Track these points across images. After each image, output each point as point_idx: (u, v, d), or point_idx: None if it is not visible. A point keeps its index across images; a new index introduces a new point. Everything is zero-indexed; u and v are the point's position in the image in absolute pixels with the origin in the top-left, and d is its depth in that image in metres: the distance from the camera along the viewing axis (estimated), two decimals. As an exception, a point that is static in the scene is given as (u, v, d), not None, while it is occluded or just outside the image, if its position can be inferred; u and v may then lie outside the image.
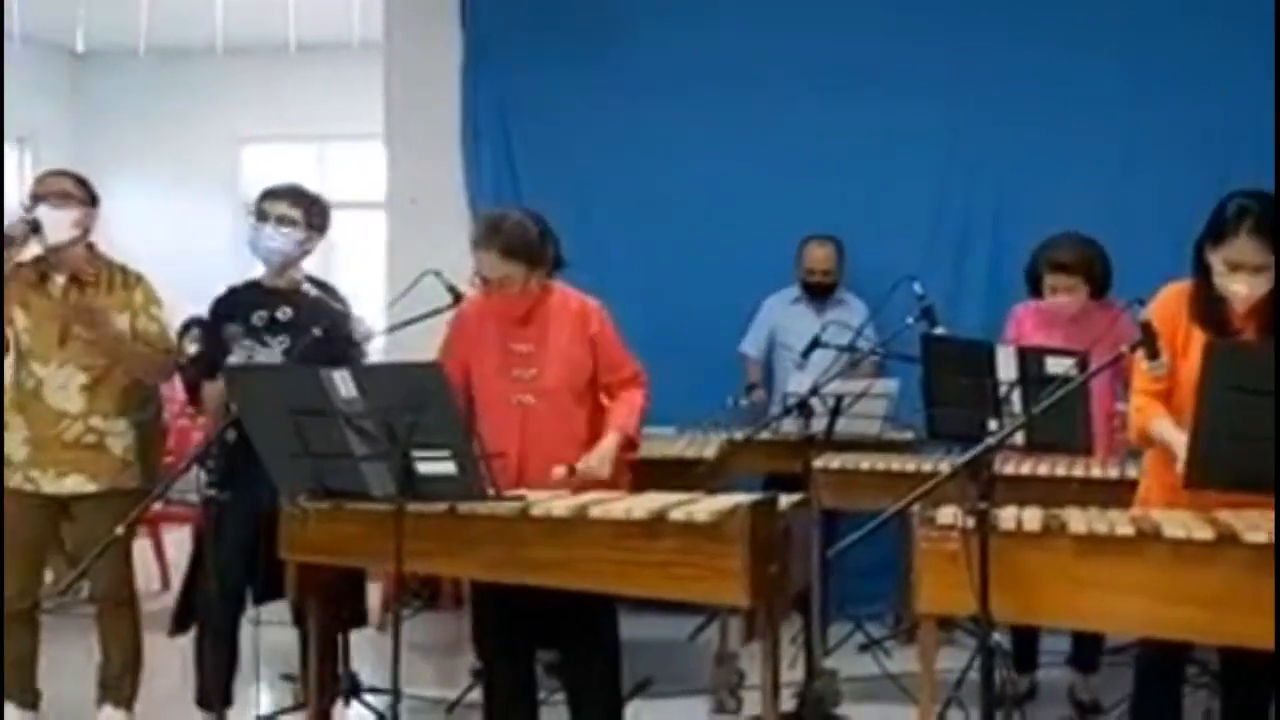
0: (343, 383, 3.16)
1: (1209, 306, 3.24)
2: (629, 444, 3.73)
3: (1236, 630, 2.90)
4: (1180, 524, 2.91)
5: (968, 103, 5.75)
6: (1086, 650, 4.45)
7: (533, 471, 3.60)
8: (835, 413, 4.69)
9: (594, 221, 5.24)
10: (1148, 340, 3.06)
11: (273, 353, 3.92)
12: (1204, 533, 2.87)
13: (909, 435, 5.11)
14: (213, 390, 3.93)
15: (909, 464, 4.54)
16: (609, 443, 3.65)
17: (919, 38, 5.76)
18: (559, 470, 3.56)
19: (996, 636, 3.03)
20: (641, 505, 3.15)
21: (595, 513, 3.15)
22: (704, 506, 3.08)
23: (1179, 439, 3.12)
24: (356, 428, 3.17)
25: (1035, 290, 4.60)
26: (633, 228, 5.84)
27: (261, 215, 4.00)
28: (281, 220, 3.99)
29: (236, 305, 4.04)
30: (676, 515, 3.06)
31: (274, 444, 3.31)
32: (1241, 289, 3.17)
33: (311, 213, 4.04)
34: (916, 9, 5.77)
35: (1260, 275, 3.15)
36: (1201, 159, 5.37)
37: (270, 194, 4.04)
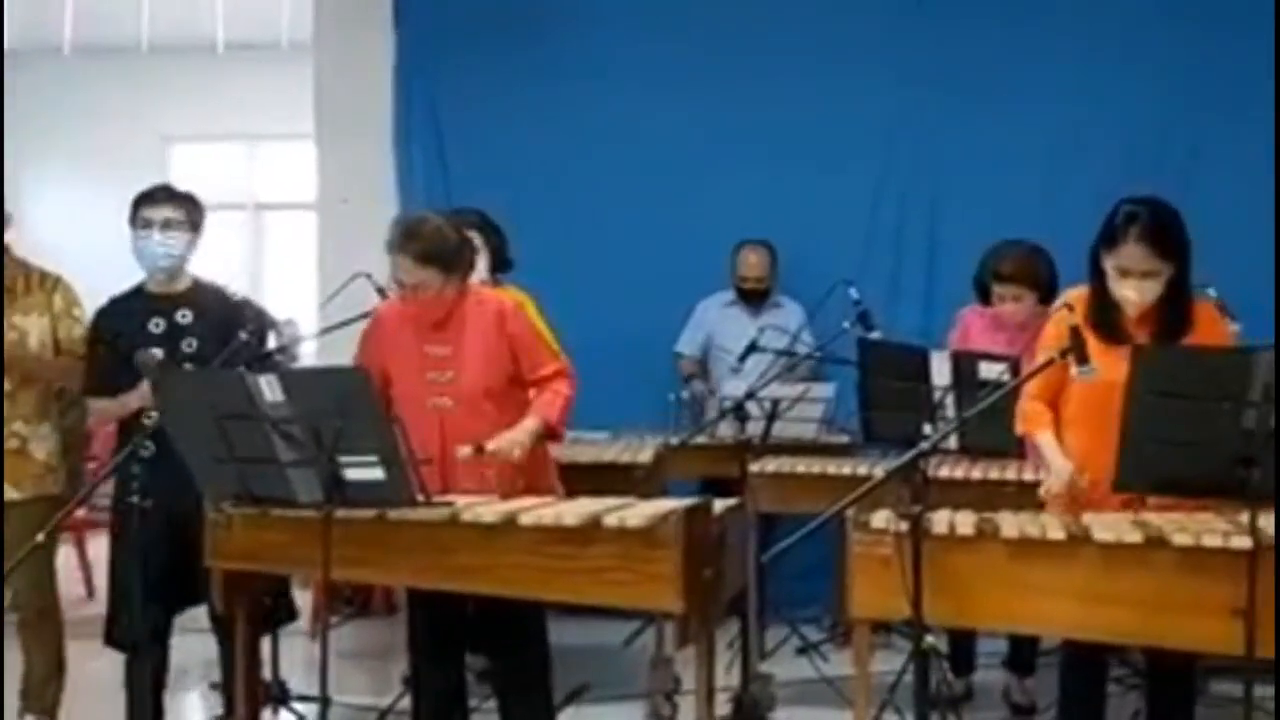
0: (269, 387, 3.12)
1: (1103, 312, 3.27)
2: (550, 431, 3.66)
3: (1166, 631, 2.93)
4: (1110, 527, 2.93)
5: (903, 104, 5.76)
6: (1022, 652, 4.47)
7: (454, 477, 3.54)
8: (772, 417, 4.71)
9: (527, 222, 5.16)
10: (1076, 346, 3.08)
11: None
12: (1133, 536, 2.89)
13: (846, 439, 5.12)
14: (107, 405, 3.85)
15: (845, 467, 4.54)
16: (525, 425, 3.58)
17: (856, 40, 5.77)
18: (465, 450, 3.49)
19: (932, 639, 3.06)
20: (573, 511, 3.11)
21: (525, 519, 3.11)
22: (637, 512, 3.05)
23: (1056, 460, 3.27)
24: (283, 433, 3.13)
25: (984, 298, 4.61)
26: (566, 229, 5.79)
27: (145, 223, 3.86)
28: (168, 225, 3.86)
29: (128, 316, 3.88)
30: (609, 521, 3.03)
31: (199, 449, 3.25)
32: (1131, 294, 3.21)
33: (193, 213, 3.94)
34: (855, 13, 5.77)
35: (1149, 281, 3.20)
36: (1136, 156, 5.41)
37: (148, 199, 3.90)
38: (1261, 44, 5.40)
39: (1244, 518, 2.79)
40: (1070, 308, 3.27)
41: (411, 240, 3.54)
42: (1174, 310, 3.25)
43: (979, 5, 5.69)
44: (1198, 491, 2.93)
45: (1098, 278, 3.29)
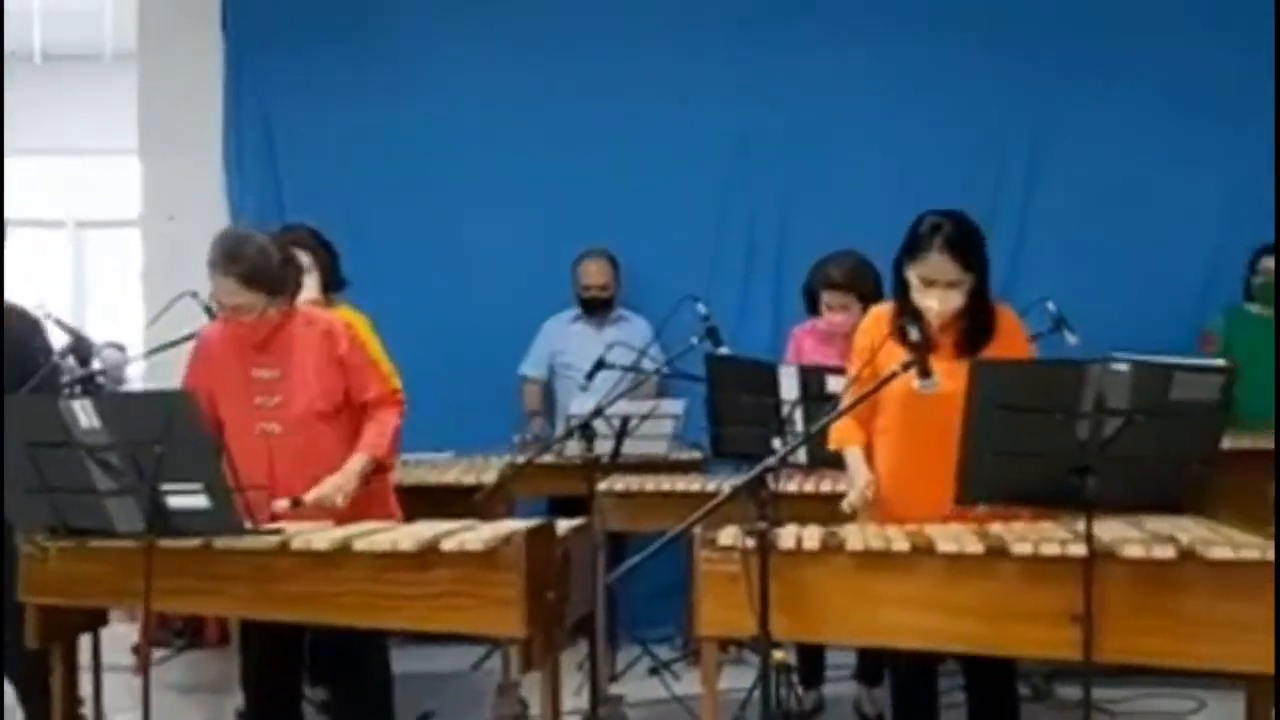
0: (84, 413, 2.97)
1: (906, 322, 3.29)
2: (378, 467, 3.57)
3: (1008, 639, 2.96)
4: (952, 538, 2.96)
5: (749, 119, 5.73)
6: (871, 664, 4.48)
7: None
8: (621, 434, 4.64)
9: (364, 238, 5.03)
10: (919, 359, 3.10)
11: None
12: (975, 546, 2.92)
13: (697, 455, 5.08)
14: None
15: (694, 484, 4.51)
16: (351, 465, 3.49)
17: (700, 49, 5.73)
18: (281, 504, 3.37)
19: (781, 653, 3.07)
20: (410, 536, 3.01)
21: (359, 545, 3.01)
22: (477, 535, 2.97)
23: (857, 477, 3.37)
24: (100, 460, 2.98)
25: (813, 308, 4.65)
26: (405, 244, 5.65)
27: None
28: None
29: None
30: (448, 545, 2.95)
31: (9, 479, 3.08)
32: (934, 304, 3.27)
33: None
34: (698, 23, 5.73)
35: (953, 290, 3.25)
36: (978, 174, 5.50)
37: None
38: (1100, 57, 5.55)
39: (1081, 525, 2.82)
40: (903, 325, 3.28)
41: (234, 262, 3.41)
42: (976, 320, 3.30)
43: (816, 25, 5.70)
44: (1038, 501, 2.97)
45: (902, 289, 3.34)
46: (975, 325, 3.30)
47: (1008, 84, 5.62)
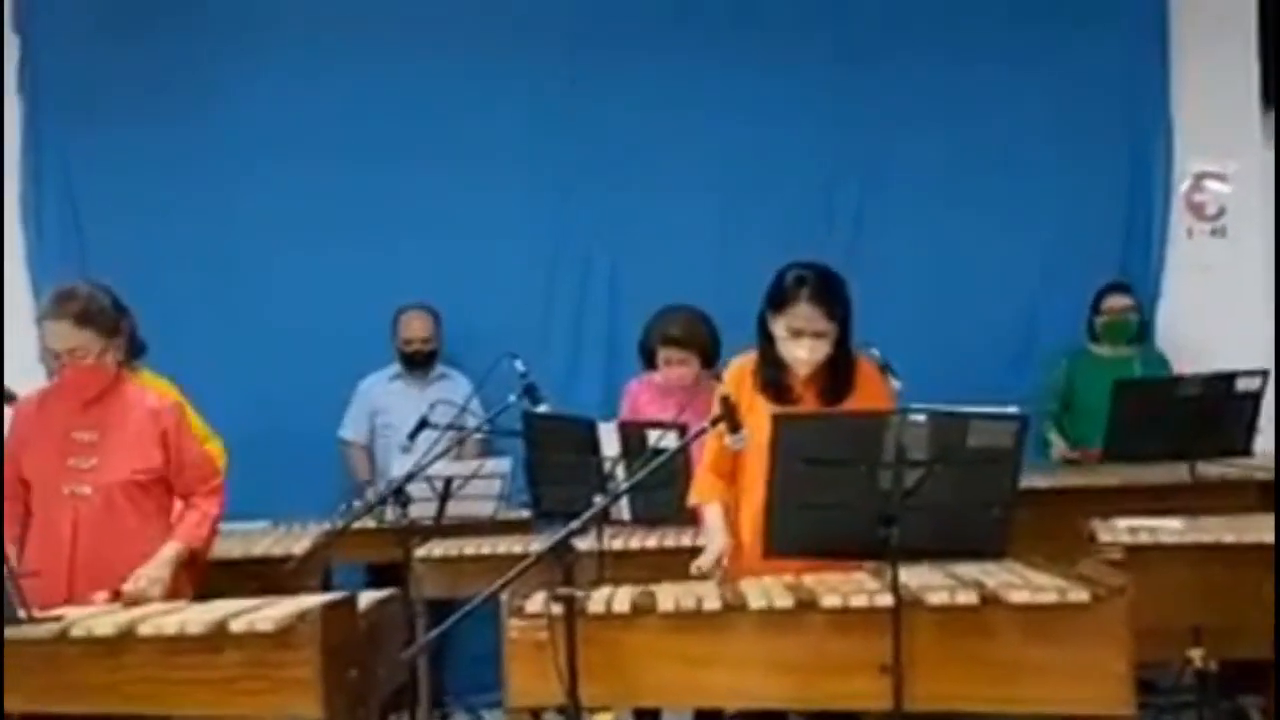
0: None
1: (771, 374, 3.36)
2: (191, 557, 3.46)
3: (820, 693, 2.93)
4: (763, 593, 2.93)
5: (573, 164, 5.68)
6: (707, 718, 4.42)
7: (85, 578, 3.30)
8: (445, 496, 4.54)
9: (173, 297, 4.85)
10: (727, 414, 3.10)
11: None
12: (785, 600, 2.90)
13: (526, 515, 4.98)
14: None
15: (517, 546, 4.40)
16: (165, 554, 3.37)
17: (523, 103, 5.69)
18: (100, 596, 3.26)
19: (609, 715, 2.98)
20: (198, 618, 2.86)
21: (144, 630, 2.85)
22: (268, 614, 2.83)
23: (712, 539, 3.34)
24: None
25: (650, 363, 4.61)
26: (217, 303, 5.48)
27: None
28: None
29: None
30: (237, 626, 2.81)
31: None
32: (803, 354, 3.30)
33: None
34: (520, 72, 5.68)
35: (820, 340, 3.30)
36: (802, 226, 5.52)
37: None
38: (926, 102, 5.65)
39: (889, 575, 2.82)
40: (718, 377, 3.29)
41: (67, 302, 3.39)
42: (839, 370, 3.35)
43: (641, 71, 5.69)
44: (845, 554, 2.96)
45: (766, 342, 3.36)
46: (839, 376, 3.34)
47: (838, 128, 5.69)
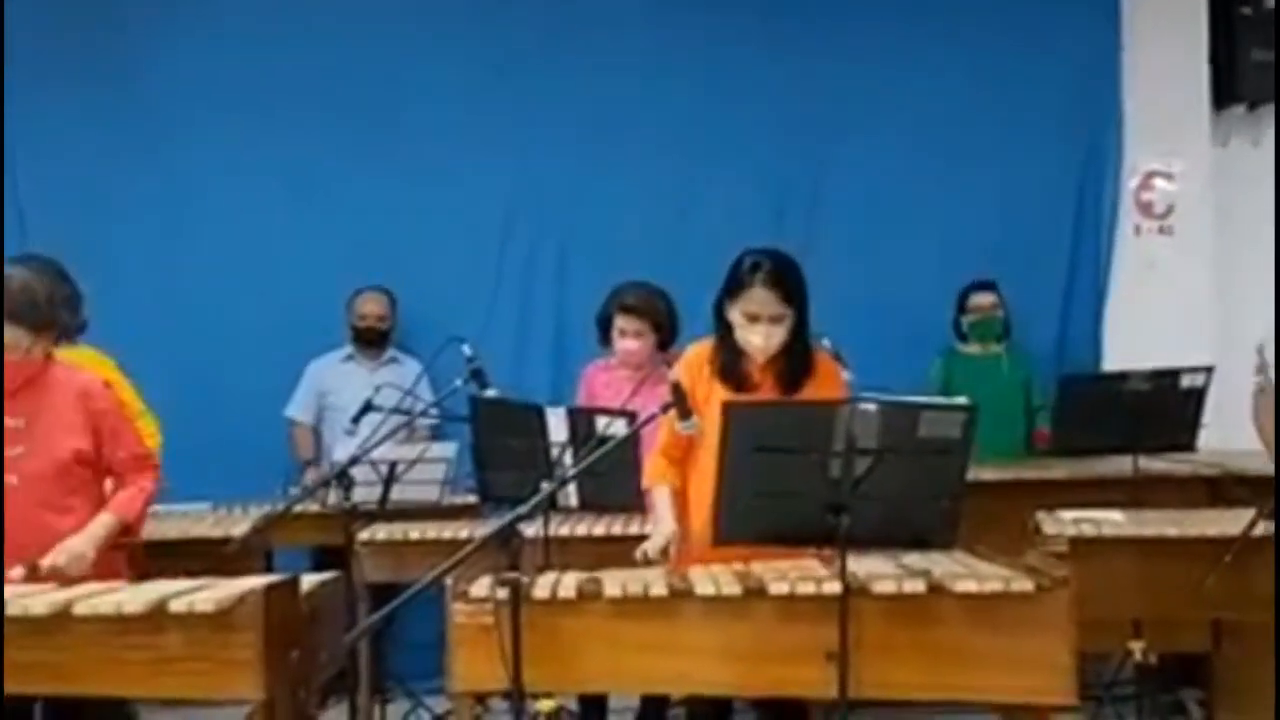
0: None
1: (729, 361, 3.36)
2: (124, 530, 3.37)
3: (766, 681, 2.93)
4: (711, 580, 2.92)
5: (527, 158, 5.66)
6: (653, 706, 4.41)
7: (13, 563, 3.17)
8: (389, 480, 4.49)
9: (117, 275, 4.75)
10: (678, 401, 3.09)
11: None
12: (732, 588, 2.89)
13: (472, 499, 4.94)
14: None
15: (462, 531, 4.37)
16: (93, 529, 3.28)
17: (478, 81, 5.65)
18: (16, 572, 3.15)
19: (550, 703, 3.05)
20: (137, 598, 2.81)
21: (81, 609, 2.78)
22: (208, 595, 2.78)
23: (660, 524, 3.35)
24: None
25: (606, 338, 4.58)
26: (161, 282, 5.40)
27: None
28: None
29: None
30: (177, 606, 2.76)
31: None
32: (758, 339, 3.30)
33: None
34: (477, 62, 5.64)
35: (776, 326, 3.30)
36: (755, 210, 5.55)
37: None
38: (870, 105, 5.68)
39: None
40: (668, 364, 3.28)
41: None
42: (795, 357, 3.35)
43: (593, 65, 5.67)
44: (795, 541, 2.96)
45: (723, 328, 3.35)
46: (795, 363, 3.34)
47: (787, 120, 5.69)
